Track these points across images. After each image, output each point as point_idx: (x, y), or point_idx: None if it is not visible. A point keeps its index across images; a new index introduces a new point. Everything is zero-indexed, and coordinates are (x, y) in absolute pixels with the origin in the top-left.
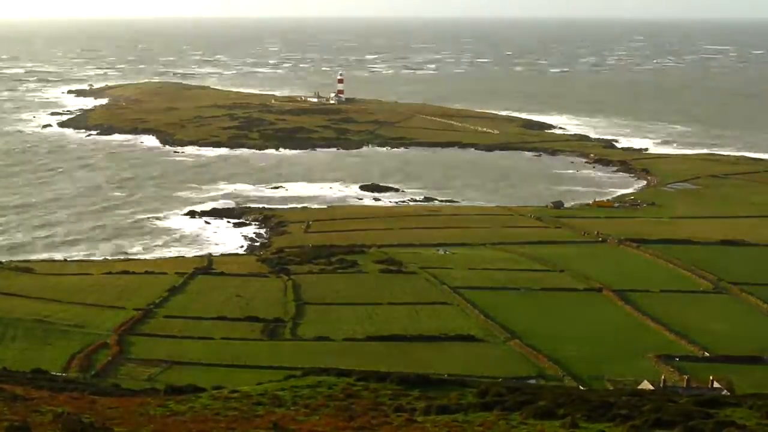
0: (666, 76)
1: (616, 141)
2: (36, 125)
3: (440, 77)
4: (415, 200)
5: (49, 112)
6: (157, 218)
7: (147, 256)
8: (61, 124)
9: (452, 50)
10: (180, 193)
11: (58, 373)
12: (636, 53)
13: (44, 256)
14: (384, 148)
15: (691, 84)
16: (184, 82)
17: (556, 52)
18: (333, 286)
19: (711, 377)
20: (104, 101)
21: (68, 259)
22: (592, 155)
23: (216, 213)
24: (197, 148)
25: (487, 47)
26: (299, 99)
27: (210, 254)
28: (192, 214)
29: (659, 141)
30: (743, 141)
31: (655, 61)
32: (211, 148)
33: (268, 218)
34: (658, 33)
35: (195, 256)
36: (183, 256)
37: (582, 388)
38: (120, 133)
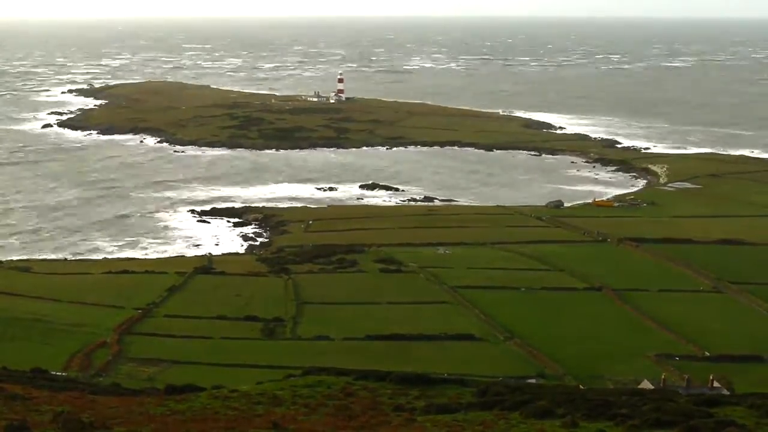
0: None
1: (617, 141)
2: (36, 125)
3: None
4: (415, 200)
5: (49, 112)
6: (157, 218)
7: (147, 256)
8: (61, 124)
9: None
10: (179, 193)
11: (57, 373)
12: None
13: (43, 255)
14: (384, 148)
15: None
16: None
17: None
18: (333, 285)
19: (711, 377)
20: (104, 101)
21: (67, 259)
22: (592, 155)
23: (216, 212)
24: (197, 147)
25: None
26: (299, 98)
27: (210, 254)
28: (192, 213)
29: (658, 140)
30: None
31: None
32: (210, 147)
33: (268, 218)
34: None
35: (195, 256)
36: (183, 256)
37: (582, 387)
38: (120, 132)
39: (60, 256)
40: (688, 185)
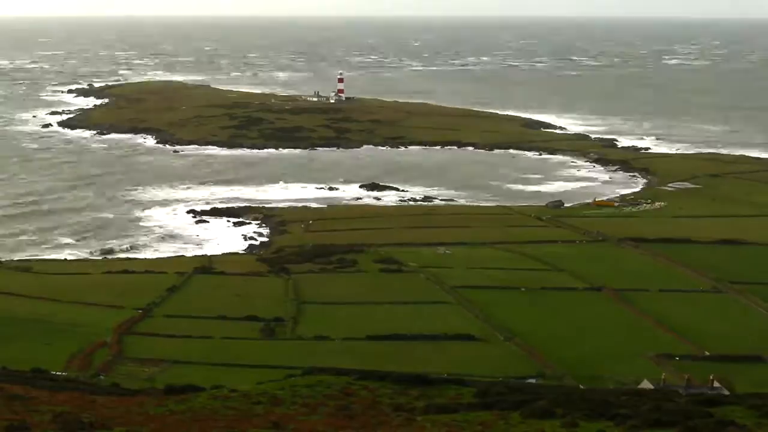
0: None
1: (617, 141)
2: (36, 125)
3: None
4: (415, 200)
5: (49, 112)
6: (157, 218)
7: (146, 256)
8: (61, 124)
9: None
10: (179, 193)
11: (57, 373)
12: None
13: (42, 254)
14: (384, 148)
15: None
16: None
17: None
18: (333, 285)
19: (711, 377)
20: (104, 100)
21: (67, 259)
22: (592, 154)
23: (216, 212)
24: (197, 147)
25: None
26: (299, 98)
27: (210, 254)
28: (192, 213)
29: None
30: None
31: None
32: (210, 147)
33: (268, 218)
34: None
35: (195, 256)
36: (183, 256)
37: (582, 387)
38: (120, 132)
39: (60, 256)
40: (688, 185)
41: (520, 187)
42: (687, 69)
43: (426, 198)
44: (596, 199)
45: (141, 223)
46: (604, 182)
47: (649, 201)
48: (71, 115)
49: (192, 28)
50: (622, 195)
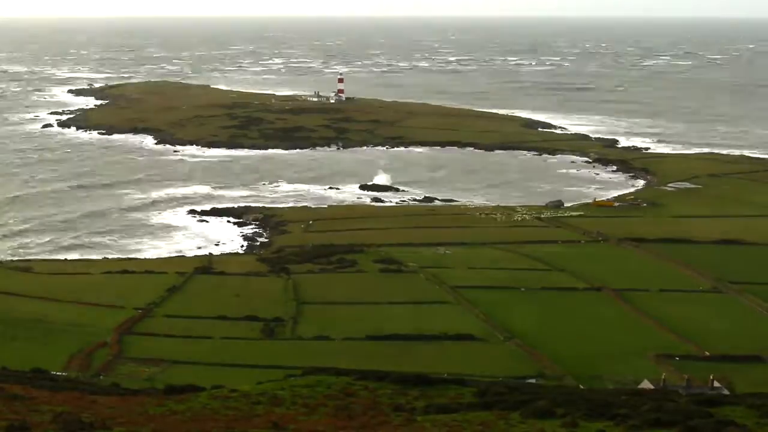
0: None
1: (617, 141)
2: (36, 125)
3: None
4: (415, 200)
5: (49, 112)
6: (157, 217)
7: (147, 256)
8: (61, 124)
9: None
10: (179, 193)
11: (57, 373)
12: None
13: (42, 255)
14: (384, 148)
15: None
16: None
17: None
18: (333, 285)
19: (711, 377)
20: (104, 101)
21: (68, 259)
22: (592, 154)
23: (216, 212)
24: (197, 147)
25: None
26: (299, 98)
27: (210, 254)
28: (192, 213)
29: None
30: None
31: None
32: (210, 147)
33: (268, 218)
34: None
35: (195, 256)
36: (183, 256)
37: (582, 387)
38: (120, 132)
39: (60, 256)
40: (688, 185)
41: (520, 186)
42: None
43: (426, 198)
44: (596, 199)
45: (141, 224)
46: (604, 182)
47: (639, 201)
48: (71, 115)
49: (189, 28)
50: (619, 195)
